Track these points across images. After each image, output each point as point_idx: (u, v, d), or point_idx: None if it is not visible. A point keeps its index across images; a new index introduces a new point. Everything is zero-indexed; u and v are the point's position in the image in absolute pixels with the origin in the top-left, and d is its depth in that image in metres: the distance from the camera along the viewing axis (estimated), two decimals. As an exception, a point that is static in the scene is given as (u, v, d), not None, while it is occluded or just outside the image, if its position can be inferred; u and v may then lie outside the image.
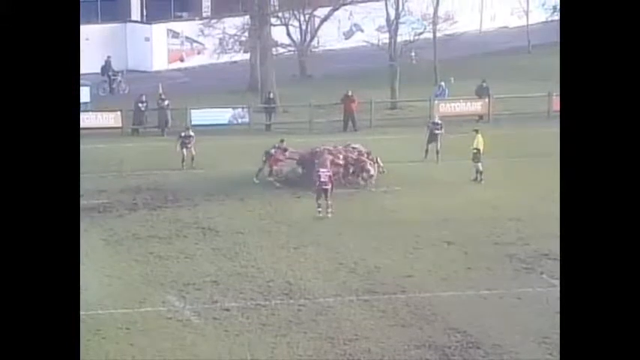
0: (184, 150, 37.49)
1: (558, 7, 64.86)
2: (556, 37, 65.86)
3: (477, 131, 36.80)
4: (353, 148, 36.72)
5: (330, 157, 35.21)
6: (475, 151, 35.97)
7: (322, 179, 31.90)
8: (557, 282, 25.89)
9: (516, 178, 35.82)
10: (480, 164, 35.67)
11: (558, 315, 23.71)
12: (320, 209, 31.81)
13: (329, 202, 31.70)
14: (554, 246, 28.44)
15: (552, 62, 55.33)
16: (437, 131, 38.81)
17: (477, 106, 46.69)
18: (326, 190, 31.84)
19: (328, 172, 32.38)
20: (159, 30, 57.69)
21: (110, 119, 44.80)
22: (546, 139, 39.37)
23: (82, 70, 51.61)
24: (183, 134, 37.98)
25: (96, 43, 54.98)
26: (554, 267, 26.97)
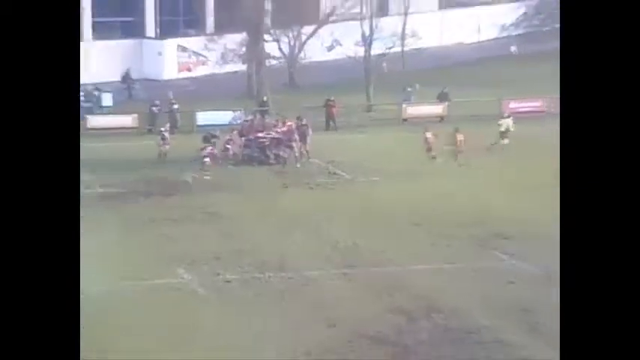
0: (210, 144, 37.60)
1: (507, 25, 65.15)
2: (503, 51, 66.37)
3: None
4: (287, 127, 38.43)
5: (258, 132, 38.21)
6: None
7: (204, 154, 36.18)
8: (507, 257, 26.02)
9: (473, 170, 35.90)
10: None
11: (509, 285, 23.90)
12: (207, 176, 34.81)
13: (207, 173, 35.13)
14: (505, 227, 28.58)
15: (501, 72, 55.81)
16: None
17: (438, 109, 46.76)
18: (205, 162, 35.91)
19: (211, 149, 36.64)
20: (170, 45, 57.69)
21: (128, 120, 44.79)
22: (492, 137, 39.68)
23: (107, 79, 52.10)
24: (212, 133, 38.31)
25: (117, 56, 54.94)
26: (505, 244, 27.07)
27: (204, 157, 36.45)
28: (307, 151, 37.91)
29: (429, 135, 38.22)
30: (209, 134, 38.14)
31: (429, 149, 37.85)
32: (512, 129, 39.53)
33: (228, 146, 37.75)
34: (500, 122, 40.18)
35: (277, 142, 37.91)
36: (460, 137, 37.85)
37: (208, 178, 34.85)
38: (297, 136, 38.03)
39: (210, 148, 36.90)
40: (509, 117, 40.66)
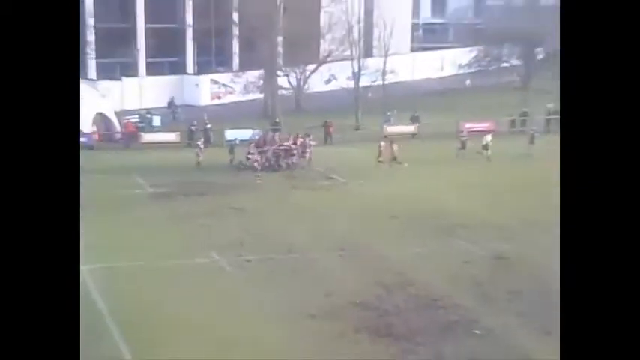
0: (234, 154, 38.09)
1: (462, 64, 65.10)
2: (460, 84, 67.37)
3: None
4: (285, 143, 38.65)
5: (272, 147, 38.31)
6: None
7: (264, 161, 36.46)
8: (464, 242, 25.89)
9: (437, 175, 35.89)
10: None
11: (463, 263, 23.83)
12: (259, 180, 34.66)
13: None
14: (462, 219, 28.50)
15: (459, 100, 55.77)
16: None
17: (411, 129, 46.75)
18: (255, 167, 36.27)
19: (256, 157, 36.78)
20: (204, 79, 57.73)
21: (173, 137, 44.77)
22: (453, 150, 39.61)
23: (156, 105, 52.15)
24: (234, 144, 39.05)
25: (165, 88, 54.93)
26: (463, 232, 26.93)
27: (255, 163, 36.78)
28: (311, 159, 38.10)
29: (382, 144, 38.89)
30: (230, 146, 38.62)
31: (379, 155, 38.27)
32: (490, 143, 39.89)
33: (249, 157, 37.69)
34: (484, 139, 40.53)
35: (289, 153, 37.85)
36: (395, 147, 38.32)
37: (260, 181, 35.01)
38: (307, 149, 38.32)
39: (258, 157, 37.13)
40: (489, 134, 41.15)
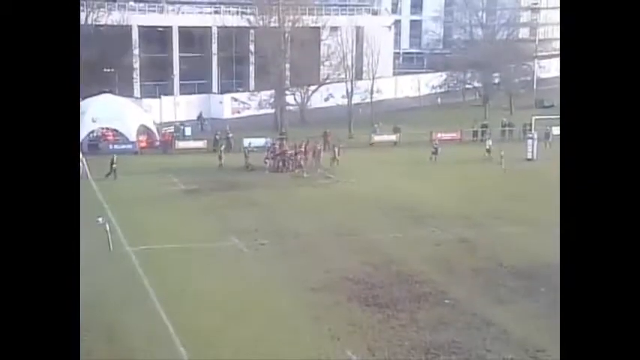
0: (248, 158, 37.71)
1: (435, 86, 65.07)
2: (433, 102, 67.31)
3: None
4: (291, 149, 38.15)
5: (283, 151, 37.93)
6: None
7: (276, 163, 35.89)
8: (434, 229, 25.82)
9: (412, 174, 35.80)
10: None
11: (435, 246, 23.78)
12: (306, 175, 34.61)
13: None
14: (431, 209, 28.48)
15: (432, 114, 55.68)
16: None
17: (393, 137, 46.65)
18: (297, 171, 35.39)
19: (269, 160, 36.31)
20: (227, 97, 57.61)
21: (201, 144, 44.65)
22: (427, 155, 39.53)
23: (188, 118, 52.13)
24: (249, 150, 38.87)
25: (194, 105, 54.89)
26: (432, 222, 26.86)
27: (298, 167, 36.22)
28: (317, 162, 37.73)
29: (336, 150, 38.73)
30: (246, 151, 38.53)
31: (334, 157, 38.33)
32: (491, 147, 40.30)
33: (266, 161, 37.41)
34: (486, 143, 41.08)
35: (297, 157, 37.50)
36: (337, 149, 38.43)
37: (307, 175, 35.38)
38: (319, 153, 38.05)
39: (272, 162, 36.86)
40: (489, 140, 41.75)
